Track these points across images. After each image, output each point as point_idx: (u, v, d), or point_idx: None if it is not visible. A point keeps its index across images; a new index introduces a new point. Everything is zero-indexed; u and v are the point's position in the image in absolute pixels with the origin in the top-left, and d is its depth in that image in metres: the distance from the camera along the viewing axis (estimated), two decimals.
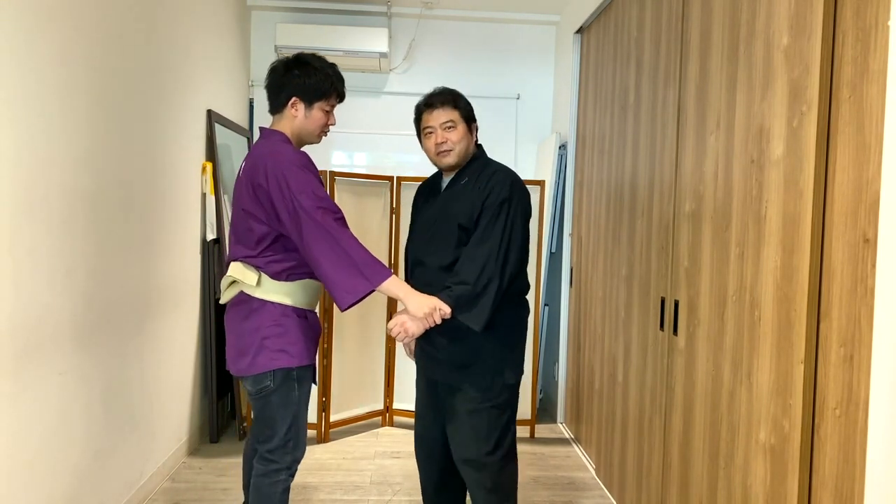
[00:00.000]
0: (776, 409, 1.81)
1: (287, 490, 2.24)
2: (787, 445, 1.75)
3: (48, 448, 2.21)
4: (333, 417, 3.91)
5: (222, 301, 2.26)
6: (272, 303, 2.14)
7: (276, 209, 2.06)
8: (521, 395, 3.97)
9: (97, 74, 2.47)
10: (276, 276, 2.14)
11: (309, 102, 2.21)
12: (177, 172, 3.31)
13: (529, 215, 2.30)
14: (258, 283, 2.13)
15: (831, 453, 1.60)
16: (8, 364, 1.97)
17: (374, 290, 2.04)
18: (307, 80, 2.20)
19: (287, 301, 2.15)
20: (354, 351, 4.02)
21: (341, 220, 2.09)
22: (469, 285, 2.11)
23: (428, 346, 2.30)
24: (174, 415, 3.38)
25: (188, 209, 3.48)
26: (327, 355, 3.85)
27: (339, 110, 5.42)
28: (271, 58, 4.70)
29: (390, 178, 4.05)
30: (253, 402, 2.21)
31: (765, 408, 1.86)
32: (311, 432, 3.88)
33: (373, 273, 2.03)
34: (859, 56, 1.54)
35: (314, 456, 3.60)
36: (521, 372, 2.33)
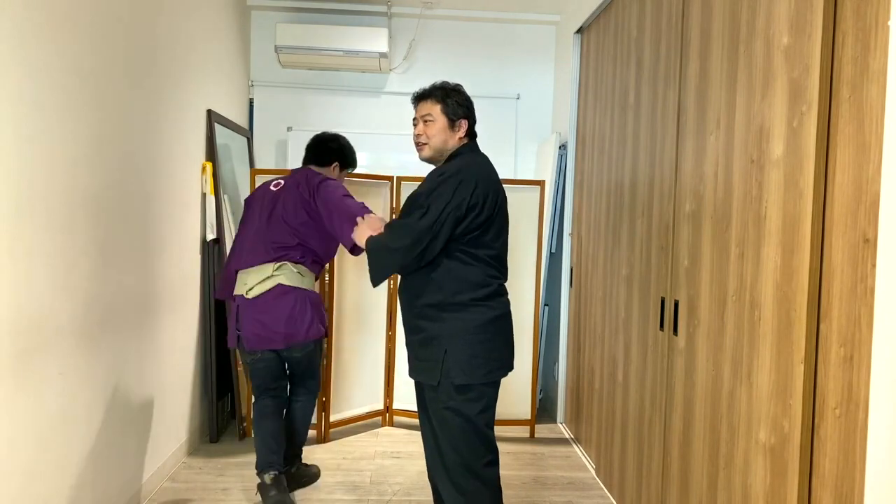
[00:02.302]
0: (776, 409, 1.81)
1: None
2: (787, 445, 1.75)
3: (48, 448, 2.21)
4: (333, 417, 3.91)
5: (255, 294, 2.85)
6: (310, 290, 2.94)
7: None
8: (520, 394, 4.02)
9: (97, 74, 2.47)
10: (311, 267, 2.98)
11: (342, 170, 3.19)
12: (177, 172, 3.31)
13: (472, 206, 2.16)
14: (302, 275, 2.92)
15: (831, 453, 1.60)
16: (8, 364, 1.97)
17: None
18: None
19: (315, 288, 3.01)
20: (354, 351, 4.02)
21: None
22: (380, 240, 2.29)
23: (407, 344, 2.37)
24: (174, 415, 3.37)
25: (188, 209, 3.48)
26: (327, 355, 3.84)
27: (339, 110, 5.41)
28: (271, 58, 4.72)
29: (390, 178, 4.05)
30: (298, 360, 3.00)
31: (765, 408, 1.86)
32: (310, 432, 3.88)
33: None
34: (859, 56, 1.54)
35: (314, 456, 3.60)
36: (482, 373, 2.20)
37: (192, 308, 3.58)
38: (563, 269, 4.26)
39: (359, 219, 2.56)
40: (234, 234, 4.06)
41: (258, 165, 4.77)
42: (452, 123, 2.30)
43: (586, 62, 4.05)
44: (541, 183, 3.97)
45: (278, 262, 2.87)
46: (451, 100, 2.30)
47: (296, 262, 2.89)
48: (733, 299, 2.06)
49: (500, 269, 2.30)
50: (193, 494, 3.11)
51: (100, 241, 2.52)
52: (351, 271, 3.96)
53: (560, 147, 4.33)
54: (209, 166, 3.72)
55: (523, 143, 4.97)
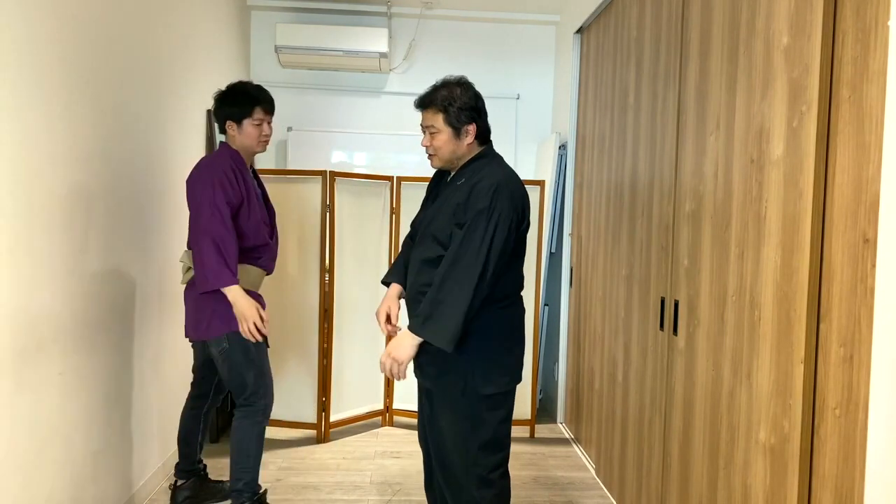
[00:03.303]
0: (776, 409, 1.81)
1: (263, 433, 2.75)
2: (787, 445, 1.75)
3: (48, 448, 2.21)
4: (333, 417, 3.91)
5: (182, 282, 2.74)
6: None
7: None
8: (520, 394, 4.02)
9: (97, 74, 2.47)
10: None
11: (239, 122, 2.74)
12: (177, 172, 3.31)
13: (520, 221, 2.16)
14: None
15: (831, 453, 1.60)
16: (8, 364, 1.97)
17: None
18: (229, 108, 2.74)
19: None
20: (354, 351, 4.02)
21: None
22: (433, 294, 2.07)
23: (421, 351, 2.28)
24: (174, 415, 3.37)
25: (187, 209, 3.47)
26: (327, 355, 3.85)
27: (339, 110, 5.40)
28: (271, 58, 4.72)
29: (390, 178, 4.05)
30: (218, 364, 2.70)
31: (765, 408, 1.86)
32: (310, 432, 3.89)
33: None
34: (859, 56, 1.54)
35: (314, 456, 3.60)
36: (506, 381, 2.20)
37: None
38: (563, 269, 4.26)
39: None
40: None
41: (258, 165, 4.76)
42: (458, 132, 2.20)
43: (586, 62, 4.05)
44: (541, 183, 3.97)
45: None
46: (453, 107, 2.18)
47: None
48: (733, 299, 2.06)
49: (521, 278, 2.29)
50: None
51: (100, 241, 2.52)
52: (351, 271, 3.96)
53: (560, 147, 4.33)
54: None
55: (523, 143, 4.97)
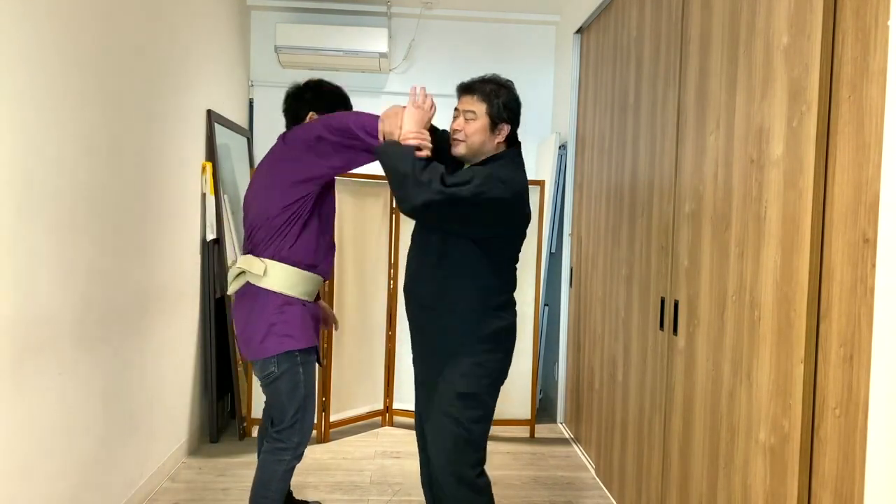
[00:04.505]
0: (776, 409, 1.81)
1: (290, 471, 2.45)
2: (787, 445, 1.75)
3: (48, 448, 2.21)
4: (333, 417, 3.91)
5: (231, 292, 2.45)
6: (274, 292, 2.34)
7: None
8: (520, 394, 4.02)
9: (97, 74, 2.47)
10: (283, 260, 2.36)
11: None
12: (177, 172, 3.31)
13: (511, 220, 2.15)
14: (264, 272, 2.34)
15: (831, 453, 1.60)
16: (8, 364, 1.97)
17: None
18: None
19: (289, 292, 2.36)
20: (354, 351, 4.02)
21: None
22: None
23: (417, 344, 2.33)
24: (174, 415, 3.37)
25: (188, 209, 3.48)
26: (327, 355, 3.84)
27: None
28: (271, 58, 4.72)
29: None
30: (262, 387, 2.42)
31: (765, 408, 1.86)
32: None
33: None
34: (859, 56, 1.54)
35: (314, 456, 3.60)
36: (488, 384, 2.19)
37: (192, 308, 3.58)
38: (563, 269, 4.26)
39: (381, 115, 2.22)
40: (234, 234, 4.06)
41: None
42: (494, 126, 2.17)
43: (586, 62, 4.05)
44: (541, 183, 3.97)
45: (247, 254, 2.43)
46: (499, 100, 2.16)
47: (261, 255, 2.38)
48: (733, 299, 2.06)
49: (514, 277, 2.29)
50: (193, 494, 3.11)
51: (100, 241, 2.52)
52: (350, 271, 3.96)
53: (560, 147, 4.33)
54: (209, 166, 3.72)
55: (523, 143, 4.94)
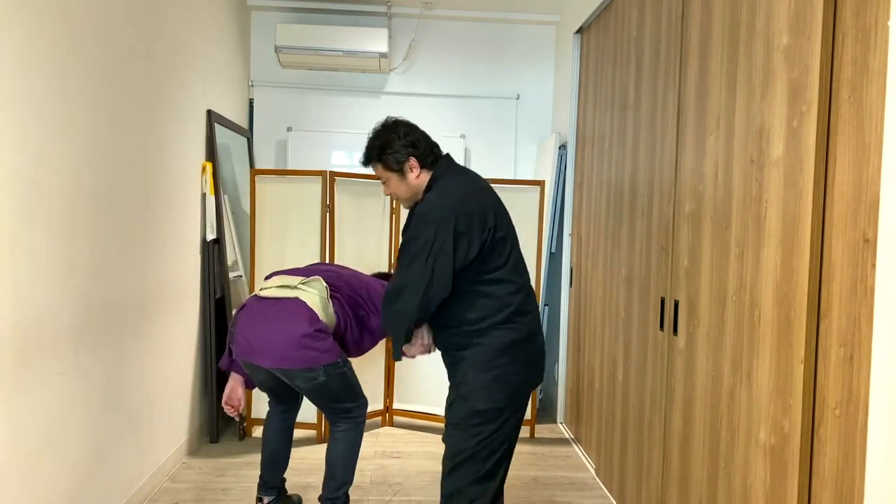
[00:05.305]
0: (776, 409, 1.81)
1: (363, 432, 2.79)
2: (787, 445, 1.75)
3: (48, 448, 2.21)
4: None
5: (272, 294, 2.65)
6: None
7: None
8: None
9: (97, 74, 2.47)
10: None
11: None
12: (177, 172, 3.31)
13: (452, 229, 2.07)
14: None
15: (831, 453, 1.60)
16: (8, 364, 1.97)
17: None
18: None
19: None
20: None
21: None
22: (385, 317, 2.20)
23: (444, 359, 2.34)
24: (174, 415, 3.38)
25: (188, 209, 3.48)
26: None
27: (339, 110, 5.40)
28: (271, 58, 4.72)
29: None
30: (307, 392, 2.62)
31: (765, 408, 1.86)
32: (310, 432, 3.89)
33: None
34: (859, 56, 1.54)
35: (314, 456, 3.60)
36: (502, 398, 2.14)
37: (192, 308, 3.58)
38: (563, 269, 4.26)
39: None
40: (234, 234, 4.06)
41: (258, 165, 4.77)
42: (402, 173, 2.25)
43: (586, 62, 4.05)
44: (541, 183, 3.97)
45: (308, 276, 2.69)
46: (387, 154, 2.22)
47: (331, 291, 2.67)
48: (733, 299, 2.06)
49: (517, 277, 2.20)
50: (193, 494, 3.11)
51: (100, 242, 2.52)
52: None
53: (560, 147, 4.33)
54: (209, 166, 3.72)
55: (523, 143, 4.97)
